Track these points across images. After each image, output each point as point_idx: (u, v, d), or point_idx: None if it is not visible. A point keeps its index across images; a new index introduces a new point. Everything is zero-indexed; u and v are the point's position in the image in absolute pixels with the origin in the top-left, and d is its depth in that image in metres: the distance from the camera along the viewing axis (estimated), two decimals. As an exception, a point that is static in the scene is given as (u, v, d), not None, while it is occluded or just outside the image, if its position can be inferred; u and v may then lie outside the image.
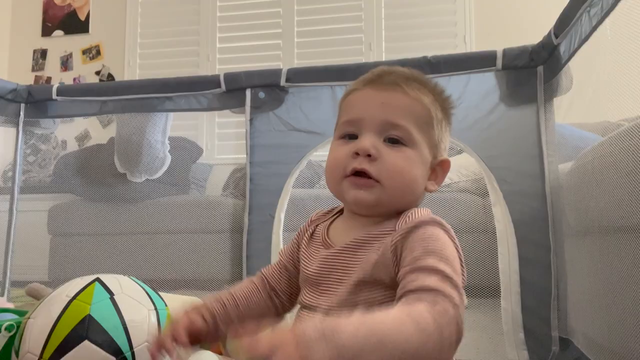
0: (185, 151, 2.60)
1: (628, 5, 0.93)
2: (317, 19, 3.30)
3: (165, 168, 2.13)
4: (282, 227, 1.62)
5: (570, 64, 1.26)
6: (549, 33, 1.32)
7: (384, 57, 3.12)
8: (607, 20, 1.01)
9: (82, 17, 3.68)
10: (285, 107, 1.65)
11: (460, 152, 1.54)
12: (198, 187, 2.71)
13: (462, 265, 0.61)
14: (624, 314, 0.86)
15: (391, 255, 0.62)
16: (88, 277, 0.95)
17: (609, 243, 0.93)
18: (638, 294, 0.80)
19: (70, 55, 3.66)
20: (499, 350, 1.40)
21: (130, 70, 3.52)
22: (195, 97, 1.75)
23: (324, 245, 0.71)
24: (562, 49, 1.28)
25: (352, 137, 0.69)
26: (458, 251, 0.62)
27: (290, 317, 1.59)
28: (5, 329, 0.94)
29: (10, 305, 1.41)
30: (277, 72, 1.65)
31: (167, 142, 2.12)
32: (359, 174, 0.66)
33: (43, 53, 3.71)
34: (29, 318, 0.90)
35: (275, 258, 1.51)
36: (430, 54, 1.51)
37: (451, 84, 1.46)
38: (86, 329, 0.85)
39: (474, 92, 1.47)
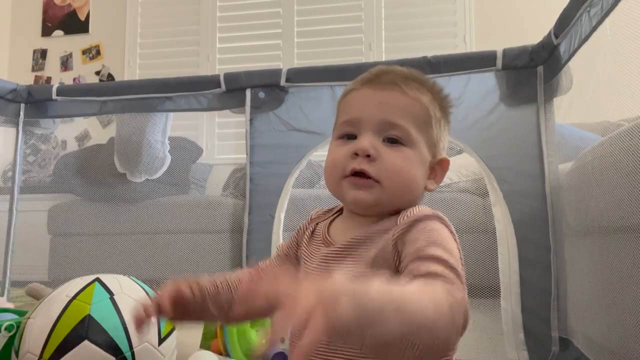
0: (185, 151, 2.60)
1: (628, 5, 0.93)
2: (317, 19, 3.30)
3: (165, 168, 2.13)
4: (282, 227, 1.62)
5: (570, 64, 1.27)
6: (549, 33, 1.32)
7: (384, 57, 3.12)
8: (607, 21, 1.01)
9: (82, 17, 3.68)
10: (285, 107, 1.65)
11: (460, 152, 1.54)
12: (198, 187, 2.71)
13: (461, 263, 0.61)
14: (624, 314, 0.86)
15: (392, 249, 0.62)
16: (88, 277, 0.95)
17: (609, 243, 0.93)
18: (638, 294, 0.80)
19: (70, 55, 3.66)
20: (499, 351, 1.40)
21: (130, 70, 3.52)
22: (195, 97, 1.75)
23: (324, 243, 0.71)
24: (562, 49, 1.28)
25: (351, 137, 0.68)
26: (458, 247, 0.62)
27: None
28: (5, 329, 0.94)
29: (10, 305, 1.41)
30: (277, 72, 1.65)
31: (167, 142, 2.12)
32: (358, 174, 0.66)
33: (43, 53, 3.71)
34: (28, 318, 0.90)
35: (275, 258, 1.51)
36: (430, 54, 1.51)
37: (451, 84, 1.46)
38: (86, 329, 0.85)
39: (474, 92, 1.47)
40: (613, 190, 0.88)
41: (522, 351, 1.36)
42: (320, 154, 1.55)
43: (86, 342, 0.84)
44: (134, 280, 1.00)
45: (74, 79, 3.61)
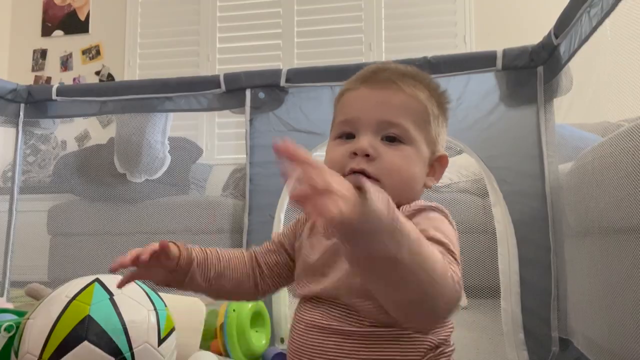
0: (185, 151, 2.60)
1: (628, 5, 0.93)
2: (317, 19, 3.30)
3: (165, 168, 2.13)
4: (282, 227, 1.62)
5: (570, 64, 1.27)
6: (549, 33, 1.31)
7: (384, 57, 3.11)
8: (607, 21, 1.01)
9: (82, 17, 3.68)
10: (285, 108, 1.65)
11: (460, 152, 1.54)
12: (198, 188, 2.71)
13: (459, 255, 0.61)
14: (624, 314, 0.86)
15: None
16: (87, 278, 0.95)
17: (609, 244, 0.93)
18: (638, 294, 0.80)
19: (70, 55, 3.66)
20: (498, 351, 1.40)
21: (130, 71, 3.52)
22: (195, 97, 1.75)
23: (326, 235, 0.70)
24: (562, 49, 1.28)
25: (349, 136, 0.68)
26: (457, 239, 0.62)
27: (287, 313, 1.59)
28: (5, 329, 0.94)
29: (10, 306, 1.41)
30: (277, 73, 1.65)
31: (166, 142, 2.12)
32: (358, 173, 0.66)
33: (43, 53, 3.71)
34: (28, 318, 0.90)
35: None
36: (430, 54, 1.51)
37: (451, 84, 1.46)
38: (86, 330, 0.85)
39: (474, 92, 1.47)
40: (613, 191, 0.88)
41: (522, 351, 1.36)
42: (320, 154, 1.55)
43: (86, 343, 0.84)
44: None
45: (74, 79, 3.61)
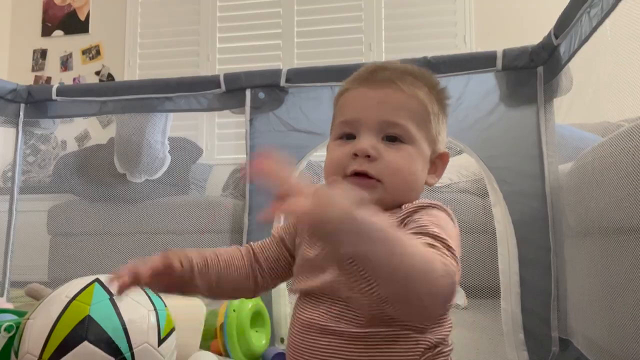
0: (185, 151, 2.60)
1: (628, 5, 0.93)
2: (317, 19, 3.30)
3: (165, 168, 2.13)
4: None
5: (570, 64, 1.26)
6: (549, 33, 1.31)
7: (384, 57, 3.12)
8: (607, 21, 1.01)
9: (82, 17, 3.68)
10: (285, 108, 1.65)
11: (460, 152, 1.54)
12: (198, 188, 2.71)
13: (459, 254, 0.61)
14: (624, 315, 0.86)
15: None
16: (87, 278, 0.95)
17: (609, 244, 0.93)
18: (638, 295, 0.80)
19: (70, 55, 3.66)
20: (498, 351, 1.40)
21: (130, 71, 3.52)
22: (195, 97, 1.75)
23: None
24: (562, 49, 1.28)
25: (350, 137, 0.68)
26: (458, 237, 0.62)
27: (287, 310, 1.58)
28: (5, 329, 0.94)
29: (10, 306, 1.41)
30: (277, 73, 1.64)
31: (166, 142, 2.12)
32: (360, 174, 0.66)
33: (43, 53, 3.71)
34: (28, 319, 0.90)
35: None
36: (430, 54, 1.51)
37: (451, 84, 1.45)
38: (86, 330, 0.85)
39: (474, 93, 1.47)
40: (613, 191, 0.88)
41: (522, 351, 1.36)
42: (320, 155, 1.55)
43: (86, 343, 0.84)
44: (133, 281, 1.00)
45: (74, 79, 3.61)
